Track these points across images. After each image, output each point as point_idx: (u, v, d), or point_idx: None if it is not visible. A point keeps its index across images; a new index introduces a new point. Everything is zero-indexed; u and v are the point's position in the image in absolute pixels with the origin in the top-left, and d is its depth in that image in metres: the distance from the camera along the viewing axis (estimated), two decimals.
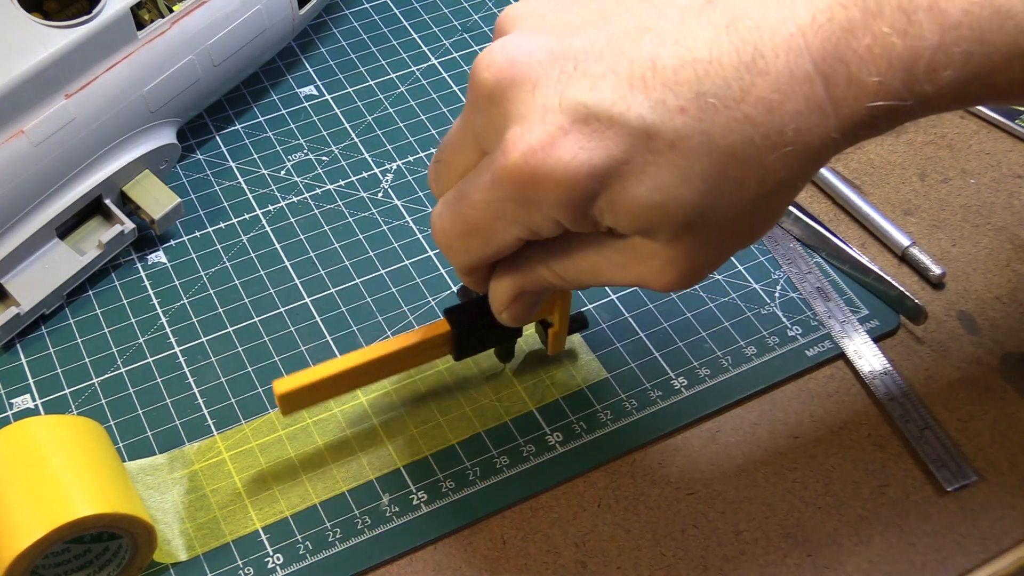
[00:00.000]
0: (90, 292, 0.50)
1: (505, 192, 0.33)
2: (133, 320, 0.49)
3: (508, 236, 0.35)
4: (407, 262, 0.51)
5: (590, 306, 0.49)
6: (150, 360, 0.48)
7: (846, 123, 0.32)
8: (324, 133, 0.57)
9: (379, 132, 0.57)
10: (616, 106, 0.31)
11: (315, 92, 0.59)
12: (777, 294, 0.50)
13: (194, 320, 0.49)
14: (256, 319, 0.49)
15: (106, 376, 0.47)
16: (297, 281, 0.51)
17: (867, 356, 0.48)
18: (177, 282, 0.50)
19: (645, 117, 0.31)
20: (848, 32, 0.31)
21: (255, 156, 0.56)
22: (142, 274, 0.51)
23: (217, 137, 0.56)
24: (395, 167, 0.55)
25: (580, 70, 0.32)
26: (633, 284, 0.36)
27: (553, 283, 0.38)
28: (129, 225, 0.49)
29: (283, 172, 0.55)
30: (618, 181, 0.32)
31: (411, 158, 0.56)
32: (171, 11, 0.49)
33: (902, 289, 0.49)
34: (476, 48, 0.61)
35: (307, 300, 0.50)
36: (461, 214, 0.36)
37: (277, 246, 0.52)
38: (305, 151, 0.56)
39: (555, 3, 0.34)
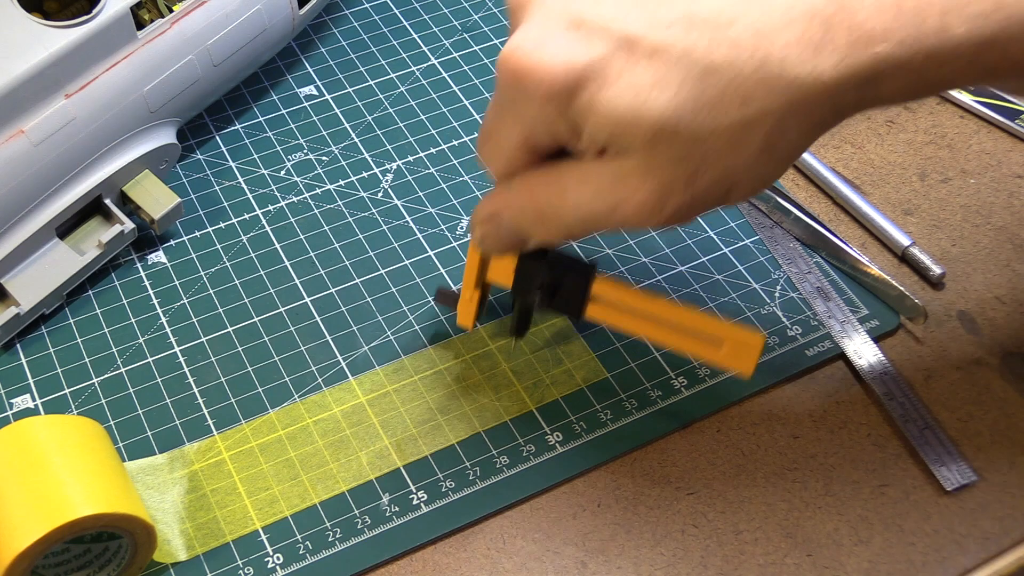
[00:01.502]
0: (90, 292, 0.50)
1: (501, 89, 0.36)
2: (133, 320, 0.49)
3: (512, 137, 0.37)
4: (407, 262, 0.51)
5: None
6: (150, 360, 0.48)
7: (843, 69, 0.33)
8: (324, 133, 0.57)
9: (379, 132, 0.57)
10: (609, 18, 0.34)
11: (315, 92, 0.59)
12: (777, 294, 0.50)
13: (194, 320, 0.49)
14: (256, 319, 0.49)
15: (106, 376, 0.47)
16: (297, 281, 0.51)
17: (867, 356, 0.48)
18: (177, 282, 0.50)
19: (631, 26, 0.33)
20: None
21: (255, 156, 0.56)
22: (142, 274, 0.51)
23: (217, 137, 0.56)
24: (395, 167, 0.55)
25: None
26: (610, 212, 0.36)
27: (530, 222, 0.39)
28: (129, 225, 0.49)
29: (283, 172, 0.55)
30: (596, 81, 0.34)
31: (411, 158, 0.56)
32: (171, 11, 0.49)
33: (902, 289, 0.49)
34: (476, 48, 0.61)
35: (307, 300, 0.50)
36: (483, 122, 0.39)
37: (277, 246, 0.52)
38: (305, 151, 0.56)
39: None
